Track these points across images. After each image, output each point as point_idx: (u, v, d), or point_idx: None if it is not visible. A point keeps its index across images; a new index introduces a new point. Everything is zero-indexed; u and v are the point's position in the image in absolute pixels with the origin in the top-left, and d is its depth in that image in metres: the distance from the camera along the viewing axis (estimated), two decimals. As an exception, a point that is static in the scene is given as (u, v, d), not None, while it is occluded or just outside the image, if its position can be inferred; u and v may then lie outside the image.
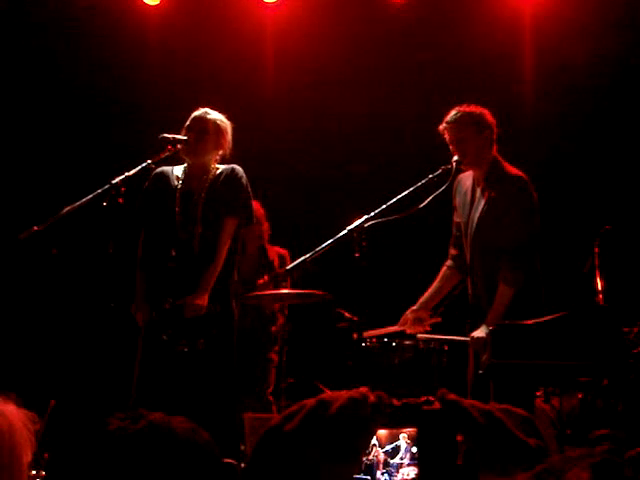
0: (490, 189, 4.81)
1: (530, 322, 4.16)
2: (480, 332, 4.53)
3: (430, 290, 5.05)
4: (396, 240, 6.39)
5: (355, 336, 4.55)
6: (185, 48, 7.21)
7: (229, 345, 4.80)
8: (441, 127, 4.86)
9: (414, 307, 4.99)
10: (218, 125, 4.91)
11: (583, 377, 4.30)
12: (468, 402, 1.35)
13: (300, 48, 7.10)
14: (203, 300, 4.69)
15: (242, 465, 4.20)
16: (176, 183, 4.92)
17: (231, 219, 4.84)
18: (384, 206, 4.57)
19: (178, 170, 4.97)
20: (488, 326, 4.41)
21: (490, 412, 1.33)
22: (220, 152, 4.95)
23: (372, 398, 1.35)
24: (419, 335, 4.83)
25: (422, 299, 5.02)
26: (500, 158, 4.87)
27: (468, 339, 4.65)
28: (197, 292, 4.70)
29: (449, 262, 5.10)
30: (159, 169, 4.93)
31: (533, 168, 5.24)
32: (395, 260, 6.79)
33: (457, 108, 4.86)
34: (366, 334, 4.66)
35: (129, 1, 7.21)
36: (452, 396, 1.34)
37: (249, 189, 4.91)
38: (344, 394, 1.35)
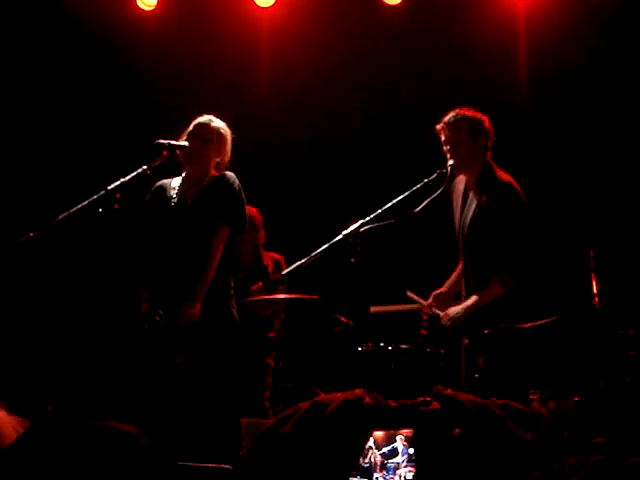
0: (481, 194, 4.80)
1: (526, 325, 4.16)
2: (454, 310, 4.68)
3: (451, 279, 5.07)
4: (392, 244, 6.38)
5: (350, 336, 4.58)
6: (180, 53, 7.20)
7: (229, 352, 4.79)
8: (438, 126, 4.85)
9: (442, 289, 5.01)
10: (221, 134, 4.90)
11: (579, 380, 4.30)
12: (464, 396, 1.35)
13: (295, 51, 7.10)
14: (195, 309, 4.66)
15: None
16: (172, 194, 4.91)
17: (223, 226, 4.81)
18: (380, 210, 4.57)
19: (176, 181, 4.96)
20: (465, 308, 4.63)
21: (486, 406, 1.34)
22: (218, 160, 4.93)
23: (368, 400, 1.34)
24: (372, 308, 4.89)
25: (447, 283, 5.04)
26: (493, 164, 4.86)
27: (420, 306, 4.81)
28: (189, 301, 4.68)
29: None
30: (159, 182, 4.94)
31: (527, 171, 5.24)
32: (390, 264, 6.77)
33: (457, 110, 4.85)
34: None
35: (125, 6, 7.20)
36: (447, 391, 1.35)
37: (242, 195, 4.88)
38: (339, 396, 1.34)
